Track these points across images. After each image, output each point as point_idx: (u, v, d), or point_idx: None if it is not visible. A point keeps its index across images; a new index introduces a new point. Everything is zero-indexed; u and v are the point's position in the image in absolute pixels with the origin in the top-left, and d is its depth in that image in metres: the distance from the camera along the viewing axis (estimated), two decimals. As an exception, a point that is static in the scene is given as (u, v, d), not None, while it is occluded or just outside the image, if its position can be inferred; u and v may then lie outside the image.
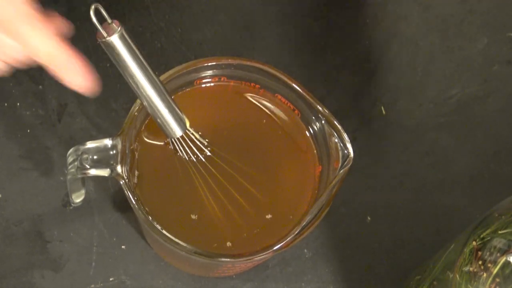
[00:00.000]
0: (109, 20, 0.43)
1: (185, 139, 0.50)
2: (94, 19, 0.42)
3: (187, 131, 0.49)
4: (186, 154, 0.51)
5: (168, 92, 0.47)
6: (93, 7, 0.42)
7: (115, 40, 0.43)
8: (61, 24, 0.45)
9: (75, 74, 0.44)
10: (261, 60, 0.51)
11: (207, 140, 0.51)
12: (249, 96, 0.54)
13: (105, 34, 0.43)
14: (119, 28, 0.43)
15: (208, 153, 0.51)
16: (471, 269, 0.44)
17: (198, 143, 0.50)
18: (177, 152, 0.51)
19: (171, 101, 0.47)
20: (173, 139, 0.50)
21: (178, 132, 0.49)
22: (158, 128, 0.49)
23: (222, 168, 0.51)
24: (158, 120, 0.48)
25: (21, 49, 0.44)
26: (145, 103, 0.47)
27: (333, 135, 0.49)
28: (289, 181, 0.52)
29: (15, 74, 0.53)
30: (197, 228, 0.50)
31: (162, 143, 0.51)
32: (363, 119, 0.67)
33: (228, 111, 0.54)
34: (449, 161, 0.67)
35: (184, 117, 0.49)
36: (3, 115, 0.64)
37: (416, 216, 0.64)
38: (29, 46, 0.43)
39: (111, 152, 0.48)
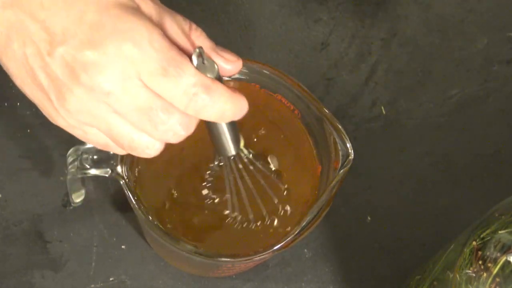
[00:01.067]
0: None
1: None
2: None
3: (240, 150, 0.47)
4: (229, 170, 0.49)
5: None
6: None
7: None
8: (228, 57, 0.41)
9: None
10: (261, 60, 0.51)
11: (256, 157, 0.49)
12: (249, 96, 0.54)
13: None
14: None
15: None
16: (471, 269, 0.44)
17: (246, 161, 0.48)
18: (222, 167, 0.49)
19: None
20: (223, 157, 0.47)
21: (232, 151, 0.45)
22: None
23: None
24: (220, 137, 0.45)
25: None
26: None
27: (333, 135, 0.49)
28: (289, 181, 0.52)
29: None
30: (197, 228, 0.50)
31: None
32: (363, 119, 0.67)
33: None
34: (449, 161, 0.67)
35: (240, 136, 0.46)
36: (3, 115, 0.64)
37: (416, 216, 0.64)
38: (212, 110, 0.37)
39: (111, 152, 0.48)
